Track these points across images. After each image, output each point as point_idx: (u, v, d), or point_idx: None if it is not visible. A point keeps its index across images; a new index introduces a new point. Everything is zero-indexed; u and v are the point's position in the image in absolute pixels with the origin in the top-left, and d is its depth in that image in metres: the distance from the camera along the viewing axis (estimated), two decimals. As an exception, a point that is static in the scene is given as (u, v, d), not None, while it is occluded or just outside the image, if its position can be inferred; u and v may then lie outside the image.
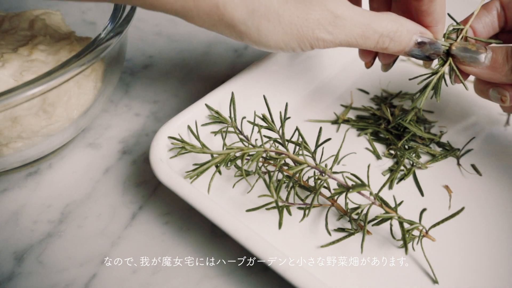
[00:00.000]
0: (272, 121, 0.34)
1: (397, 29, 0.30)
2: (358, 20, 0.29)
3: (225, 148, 0.32)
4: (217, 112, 0.35)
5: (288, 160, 0.34)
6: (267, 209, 0.30)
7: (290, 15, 0.27)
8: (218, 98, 0.36)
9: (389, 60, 0.36)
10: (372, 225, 0.31)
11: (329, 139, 0.33)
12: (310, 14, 0.28)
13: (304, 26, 0.28)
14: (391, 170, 0.36)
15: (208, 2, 0.26)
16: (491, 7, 0.33)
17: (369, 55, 0.37)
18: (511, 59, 0.29)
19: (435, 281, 0.29)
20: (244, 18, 0.27)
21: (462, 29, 0.32)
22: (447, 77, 0.33)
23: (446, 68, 0.32)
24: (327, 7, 0.28)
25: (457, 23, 0.33)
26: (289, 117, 0.34)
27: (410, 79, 0.35)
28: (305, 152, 0.35)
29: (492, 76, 0.31)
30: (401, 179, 0.35)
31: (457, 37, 0.32)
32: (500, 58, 0.30)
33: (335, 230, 0.32)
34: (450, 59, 0.32)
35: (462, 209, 0.29)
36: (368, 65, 0.38)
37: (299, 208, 0.33)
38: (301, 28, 0.28)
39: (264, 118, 0.34)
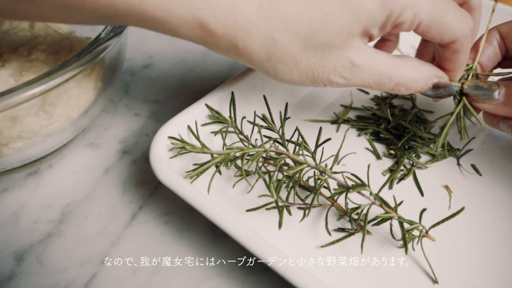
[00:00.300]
0: (272, 121, 0.34)
1: (415, 79, 0.30)
2: (376, 69, 0.28)
3: (225, 148, 0.32)
4: (217, 112, 0.35)
5: (288, 160, 0.34)
6: (267, 209, 0.30)
7: (307, 61, 0.28)
8: (218, 98, 0.36)
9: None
10: (372, 225, 0.31)
11: (329, 139, 0.33)
12: (327, 61, 0.28)
13: (320, 72, 0.28)
14: (391, 170, 0.36)
15: (228, 42, 0.26)
16: (491, 38, 0.33)
17: None
18: None
19: (435, 281, 0.29)
20: (262, 60, 0.27)
21: (471, 67, 0.32)
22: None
23: (461, 107, 0.32)
24: (346, 55, 0.28)
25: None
26: (289, 117, 0.34)
27: (429, 123, 0.34)
28: (305, 152, 0.35)
29: (507, 111, 0.30)
30: (401, 179, 0.35)
31: (468, 75, 0.32)
32: None
33: (335, 230, 0.32)
34: (464, 98, 0.32)
35: (462, 209, 0.29)
36: None
37: (299, 208, 0.33)
38: (316, 72, 0.28)
39: (264, 118, 0.34)
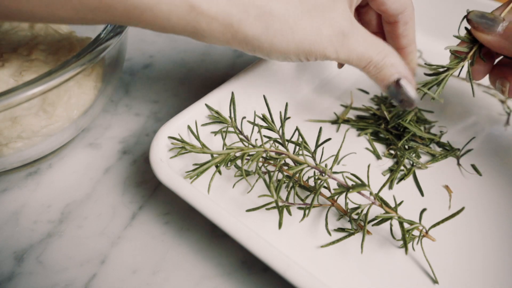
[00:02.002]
0: (272, 121, 0.34)
1: (385, 56, 0.31)
2: (360, 41, 0.30)
3: (225, 148, 0.32)
4: (217, 112, 0.35)
5: (288, 160, 0.34)
6: (267, 209, 0.30)
7: (304, 33, 0.28)
8: (218, 98, 0.36)
9: None
10: (372, 225, 0.31)
11: (329, 139, 0.33)
12: (323, 29, 0.28)
13: (316, 43, 0.29)
14: (391, 170, 0.36)
15: (222, 22, 0.26)
16: None
17: None
18: None
19: (435, 281, 0.29)
20: (259, 34, 0.27)
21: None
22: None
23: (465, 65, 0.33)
24: (339, 24, 0.29)
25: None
26: (289, 117, 0.34)
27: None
28: (305, 152, 0.35)
29: (503, 45, 0.31)
30: (401, 179, 0.35)
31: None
32: None
33: (335, 230, 0.32)
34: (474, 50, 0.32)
35: (462, 209, 0.29)
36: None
37: (299, 208, 0.33)
38: (313, 45, 0.29)
39: (264, 118, 0.34)
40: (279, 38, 0.28)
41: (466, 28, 0.33)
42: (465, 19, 0.32)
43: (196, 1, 0.25)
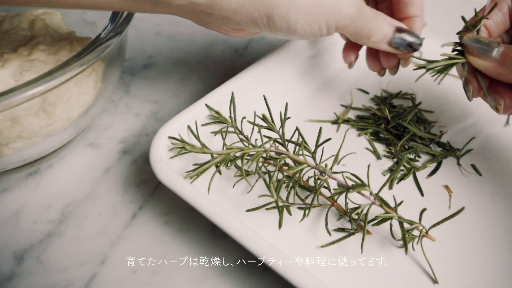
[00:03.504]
0: (272, 121, 0.34)
1: (378, 17, 0.32)
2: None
3: (225, 148, 0.32)
4: (217, 112, 0.35)
5: (288, 160, 0.34)
6: (267, 209, 0.30)
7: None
8: (218, 98, 0.36)
9: (393, 62, 0.36)
10: (372, 225, 0.31)
11: (329, 139, 0.33)
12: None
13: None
14: (391, 170, 0.36)
15: None
16: (502, 5, 0.33)
17: (352, 54, 0.38)
18: None
19: (435, 281, 0.29)
20: None
21: (479, 21, 0.31)
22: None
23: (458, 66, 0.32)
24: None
25: (465, 22, 0.32)
26: (289, 117, 0.34)
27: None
28: (305, 152, 0.35)
29: (500, 71, 0.30)
30: (401, 179, 0.35)
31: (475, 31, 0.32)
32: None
33: (335, 230, 0.32)
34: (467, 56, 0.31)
35: (462, 209, 0.29)
36: (352, 64, 0.39)
37: (299, 208, 0.33)
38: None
39: (264, 118, 0.34)
40: None
41: (458, 33, 0.32)
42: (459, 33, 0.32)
43: None
